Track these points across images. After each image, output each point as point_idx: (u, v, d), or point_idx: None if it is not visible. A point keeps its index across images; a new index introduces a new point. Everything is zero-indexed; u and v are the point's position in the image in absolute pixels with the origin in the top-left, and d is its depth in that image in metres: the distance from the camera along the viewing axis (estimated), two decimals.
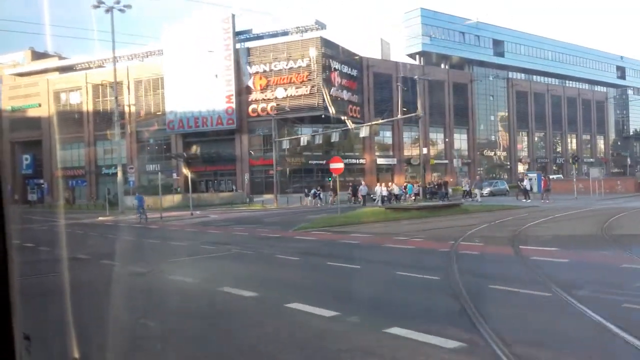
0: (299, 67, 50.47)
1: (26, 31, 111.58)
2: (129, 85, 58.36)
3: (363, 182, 33.32)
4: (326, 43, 50.72)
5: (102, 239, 18.06)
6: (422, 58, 66.60)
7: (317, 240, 15.22)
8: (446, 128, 65.03)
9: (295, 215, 25.91)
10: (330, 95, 50.64)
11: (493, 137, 71.53)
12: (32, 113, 63.86)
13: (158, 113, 57.77)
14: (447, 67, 66.85)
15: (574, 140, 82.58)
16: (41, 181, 59.49)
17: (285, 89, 50.85)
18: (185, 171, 53.42)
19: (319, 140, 36.35)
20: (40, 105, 63.10)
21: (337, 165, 22.53)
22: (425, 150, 54.00)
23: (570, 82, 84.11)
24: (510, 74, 73.24)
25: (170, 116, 54.72)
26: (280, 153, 52.44)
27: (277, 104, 51.04)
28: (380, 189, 33.17)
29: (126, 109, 58.31)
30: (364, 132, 31.75)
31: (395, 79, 60.03)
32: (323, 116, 49.44)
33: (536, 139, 76.35)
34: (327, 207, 37.14)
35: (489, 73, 70.26)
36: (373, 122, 31.47)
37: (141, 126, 57.81)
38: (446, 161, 65.00)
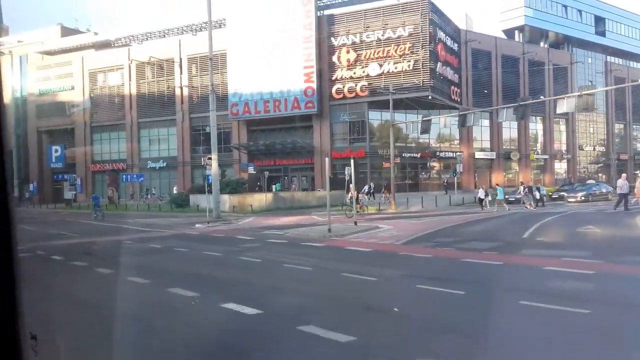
0: (399, 37, 41.01)
1: (53, 5, 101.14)
2: (181, 63, 49.21)
3: (623, 176, 23.11)
4: (433, 8, 41.22)
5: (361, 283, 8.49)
6: (521, 34, 56.92)
7: None
8: (546, 118, 55.36)
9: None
10: (436, 72, 41.29)
11: (592, 129, 61.88)
12: (63, 97, 54.75)
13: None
14: (546, 45, 57.19)
15: None
16: (74, 176, 50.28)
17: (381, 65, 41.39)
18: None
19: (454, 123, 26.79)
20: (73, 87, 53.95)
21: None
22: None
23: None
24: (609, 58, 63.62)
25: (234, 99, 45.33)
26: (371, 143, 43.34)
27: (370, 83, 41.69)
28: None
29: (177, 92, 49.29)
30: (565, 106, 22.37)
31: (495, 57, 50.67)
32: (430, 97, 40.07)
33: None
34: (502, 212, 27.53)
35: (587, 55, 60.64)
36: (583, 92, 21.90)
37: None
38: (546, 156, 55.43)
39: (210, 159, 31.67)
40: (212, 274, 9.91)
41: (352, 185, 28.90)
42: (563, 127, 58.05)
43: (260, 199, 32.26)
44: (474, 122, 26.22)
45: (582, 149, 59.83)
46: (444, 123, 27.34)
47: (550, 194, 36.94)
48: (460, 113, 26.40)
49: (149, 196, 46.02)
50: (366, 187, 38.41)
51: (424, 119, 28.58)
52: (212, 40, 47.53)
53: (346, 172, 38.47)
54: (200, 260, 12.11)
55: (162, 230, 20.36)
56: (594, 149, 61.60)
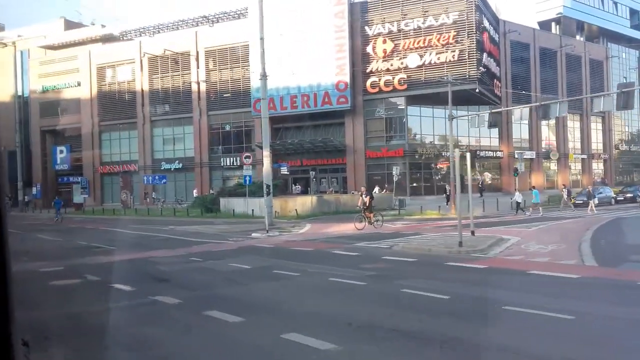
0: (442, 25, 37.63)
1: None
2: (197, 56, 45.54)
3: None
4: None
5: None
6: (557, 27, 53.72)
7: None
8: (583, 115, 52.21)
9: None
10: (482, 63, 37.94)
11: (627, 128, 58.87)
12: (69, 94, 50.97)
13: (226, 95, 44.73)
14: (582, 38, 54.08)
15: None
16: (85, 178, 46.43)
17: (421, 56, 37.98)
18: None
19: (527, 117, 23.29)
20: (79, 83, 50.14)
21: None
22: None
23: None
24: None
25: (257, 95, 41.57)
26: (409, 141, 39.96)
27: (409, 76, 38.29)
28: None
29: (194, 87, 45.62)
30: None
31: (533, 49, 47.43)
32: (477, 90, 36.70)
33: None
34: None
35: (622, 50, 57.68)
36: None
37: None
38: (584, 156, 52.24)
39: (248, 157, 28.34)
40: (425, 329, 6.13)
41: (363, 188, 23.74)
42: (600, 126, 54.90)
43: (303, 202, 28.69)
44: (560, 113, 22.87)
45: (618, 148, 56.76)
46: (520, 115, 23.94)
47: (615, 195, 33.60)
48: (543, 103, 22.98)
49: (157, 200, 42.18)
50: (377, 189, 34.74)
51: (492, 111, 25.12)
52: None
53: (394, 172, 35.20)
54: (348, 294, 8.20)
55: (218, 242, 16.74)
56: (629, 149, 58.54)
